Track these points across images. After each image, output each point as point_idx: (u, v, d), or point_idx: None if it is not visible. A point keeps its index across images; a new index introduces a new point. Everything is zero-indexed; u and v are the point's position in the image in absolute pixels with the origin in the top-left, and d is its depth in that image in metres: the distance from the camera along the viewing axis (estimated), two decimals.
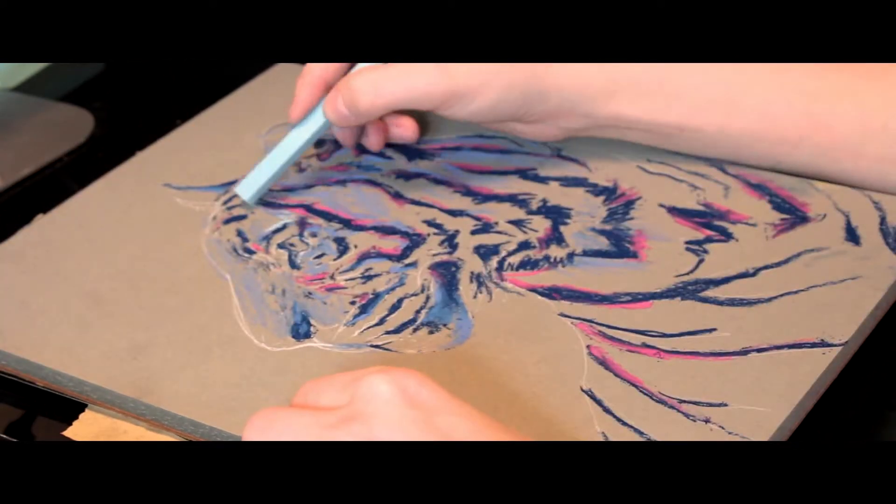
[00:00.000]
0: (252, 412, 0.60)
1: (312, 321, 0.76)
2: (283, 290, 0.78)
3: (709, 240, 0.79)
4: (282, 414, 0.59)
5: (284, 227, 0.82)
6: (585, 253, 0.79)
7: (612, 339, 0.73)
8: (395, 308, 0.76)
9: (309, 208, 0.84)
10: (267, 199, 0.84)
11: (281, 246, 0.81)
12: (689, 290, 0.75)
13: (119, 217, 0.84)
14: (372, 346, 0.74)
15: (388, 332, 0.75)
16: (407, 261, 0.79)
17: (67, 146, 0.93)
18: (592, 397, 0.70)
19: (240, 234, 0.82)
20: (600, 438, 0.68)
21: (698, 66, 0.80)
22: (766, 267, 0.77)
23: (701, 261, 0.77)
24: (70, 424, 0.72)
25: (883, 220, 0.79)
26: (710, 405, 0.69)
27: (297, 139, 0.83)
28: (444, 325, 0.75)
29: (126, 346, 0.75)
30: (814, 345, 0.72)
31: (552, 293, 0.76)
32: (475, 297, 0.76)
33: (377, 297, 0.77)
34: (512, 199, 0.83)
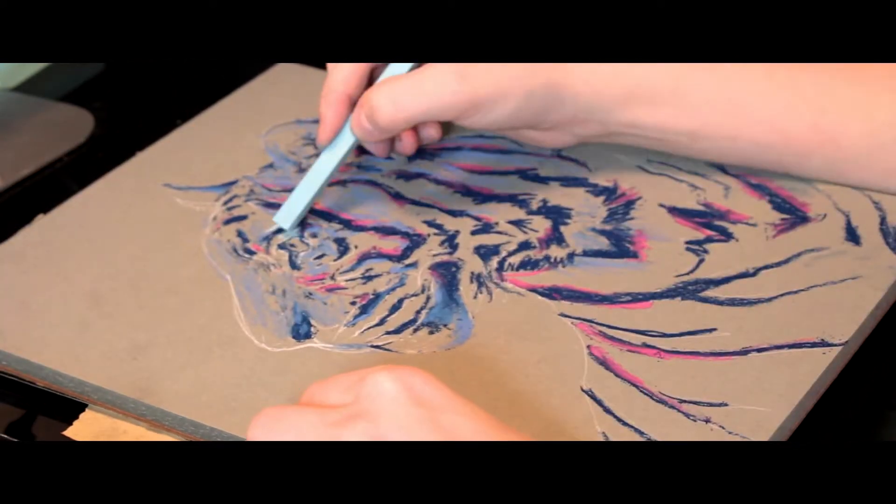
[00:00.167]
0: (252, 413, 0.59)
1: (313, 321, 0.76)
2: (284, 291, 0.78)
3: (709, 240, 0.79)
4: (287, 412, 0.59)
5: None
6: (586, 253, 0.79)
7: (612, 339, 0.73)
8: (395, 308, 0.76)
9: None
10: (268, 200, 0.84)
11: (281, 246, 0.81)
12: (690, 290, 0.75)
13: (119, 217, 0.84)
14: (372, 346, 0.74)
15: (388, 333, 0.75)
16: (407, 261, 0.79)
17: (67, 146, 0.93)
18: (593, 397, 0.70)
19: (240, 234, 0.82)
20: (601, 438, 0.68)
21: (711, 71, 0.80)
22: (766, 267, 0.77)
23: (701, 261, 0.77)
24: (70, 424, 0.72)
25: (883, 220, 0.79)
26: (711, 405, 0.69)
27: (328, 161, 0.82)
28: (445, 326, 0.75)
29: (126, 346, 0.75)
30: (814, 344, 0.72)
31: (552, 293, 0.76)
32: (475, 297, 0.76)
33: (377, 297, 0.77)
34: (512, 199, 0.83)
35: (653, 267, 0.77)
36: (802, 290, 0.75)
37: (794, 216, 0.80)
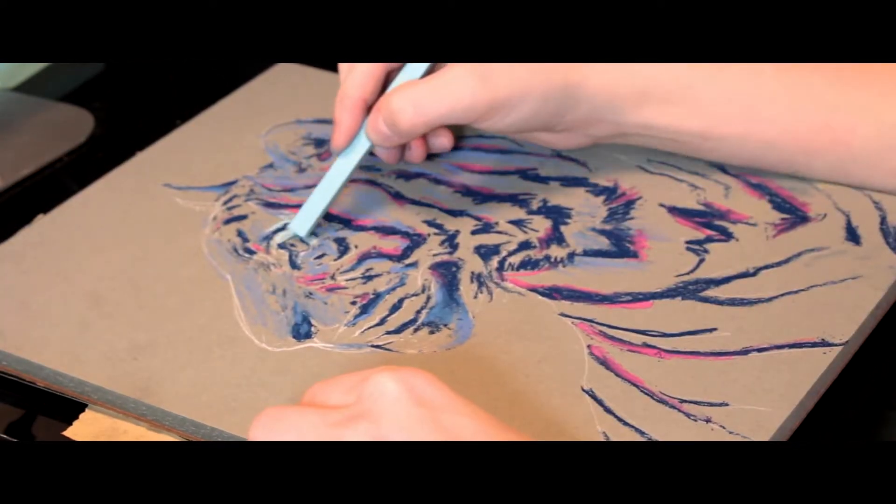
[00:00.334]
0: (253, 413, 0.59)
1: (313, 321, 0.76)
2: (284, 291, 0.78)
3: (709, 239, 0.79)
4: (288, 412, 0.59)
5: (285, 227, 0.82)
6: (586, 253, 0.79)
7: (612, 338, 0.73)
8: (395, 308, 0.76)
9: None
10: (268, 200, 0.84)
11: (281, 246, 0.81)
12: (690, 290, 0.75)
13: (119, 217, 0.84)
14: (373, 346, 0.74)
15: (388, 333, 0.75)
16: (407, 261, 0.79)
17: (67, 146, 0.93)
18: (593, 397, 0.70)
19: (240, 234, 0.82)
20: (601, 438, 0.68)
21: (722, 71, 0.80)
22: (766, 266, 0.77)
23: (701, 260, 0.78)
24: (70, 424, 0.72)
25: (883, 220, 0.79)
26: (711, 405, 0.69)
27: (344, 167, 0.81)
28: (445, 325, 0.75)
29: (126, 346, 0.75)
30: (814, 344, 0.72)
31: (553, 293, 0.76)
32: (476, 297, 0.76)
33: (378, 297, 0.77)
34: (512, 198, 0.83)
35: (653, 267, 0.77)
36: (803, 290, 0.75)
37: (794, 216, 0.80)
